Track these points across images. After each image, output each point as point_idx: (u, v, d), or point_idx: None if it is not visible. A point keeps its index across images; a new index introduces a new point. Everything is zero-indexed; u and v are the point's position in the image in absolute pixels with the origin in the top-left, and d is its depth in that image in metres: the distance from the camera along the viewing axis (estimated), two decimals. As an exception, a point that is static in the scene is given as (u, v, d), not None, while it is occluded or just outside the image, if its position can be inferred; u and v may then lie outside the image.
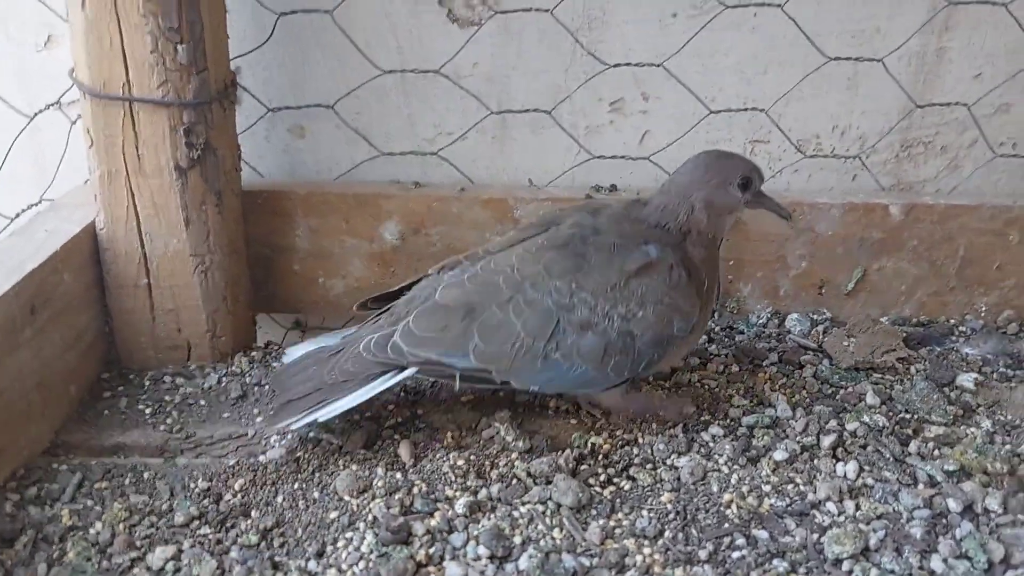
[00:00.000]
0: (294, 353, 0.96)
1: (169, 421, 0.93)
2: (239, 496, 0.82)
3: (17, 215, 1.03)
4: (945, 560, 0.77)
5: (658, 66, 1.10)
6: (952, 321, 1.17)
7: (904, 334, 1.12)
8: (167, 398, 0.96)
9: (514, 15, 1.07)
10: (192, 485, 0.83)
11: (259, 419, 0.93)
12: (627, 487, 0.85)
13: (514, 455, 0.88)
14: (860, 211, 1.13)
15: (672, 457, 0.89)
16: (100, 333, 0.99)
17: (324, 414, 0.86)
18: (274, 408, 0.89)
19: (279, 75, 1.09)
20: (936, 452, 0.91)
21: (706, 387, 1.02)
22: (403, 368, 0.87)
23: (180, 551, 0.75)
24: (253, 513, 0.80)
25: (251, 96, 1.08)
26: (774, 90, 1.13)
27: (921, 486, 0.86)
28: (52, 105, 1.04)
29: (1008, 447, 0.92)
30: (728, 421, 0.95)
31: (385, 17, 1.08)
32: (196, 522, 0.78)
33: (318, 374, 0.89)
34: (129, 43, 0.88)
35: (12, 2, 1.06)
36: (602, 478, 0.86)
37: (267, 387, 0.97)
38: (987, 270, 1.15)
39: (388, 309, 0.94)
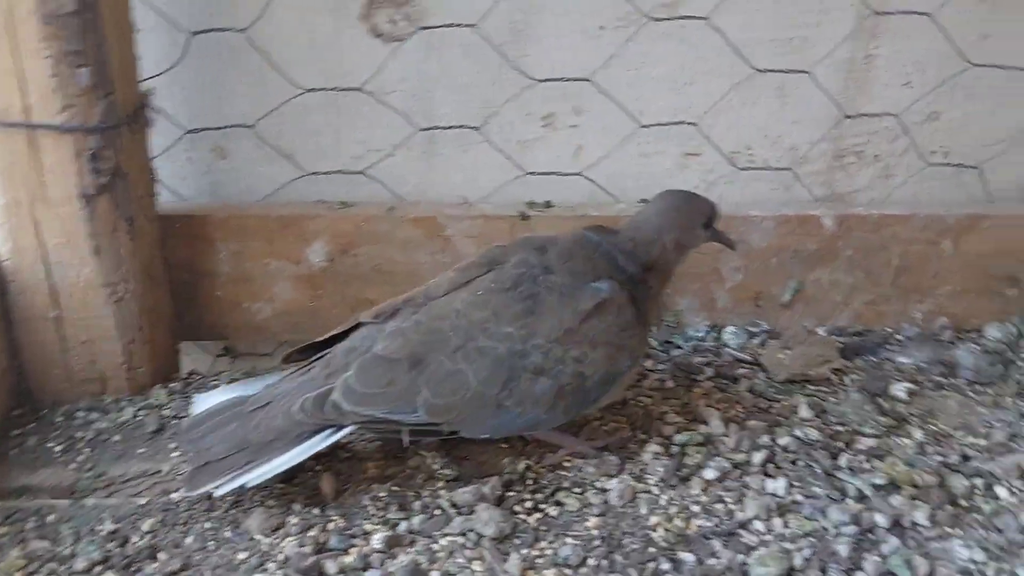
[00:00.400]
0: (203, 403, 0.88)
1: (80, 459, 0.89)
2: (147, 538, 0.78)
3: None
4: (870, 579, 0.76)
5: (586, 80, 1.08)
6: (889, 330, 1.17)
7: (840, 345, 1.11)
8: (79, 434, 0.93)
9: (438, 30, 1.06)
10: (99, 528, 0.80)
11: (174, 454, 0.90)
12: (554, 513, 0.83)
13: (440, 484, 0.86)
14: (793, 223, 1.12)
15: (602, 480, 0.87)
16: (9, 367, 0.95)
17: (253, 478, 0.79)
18: (191, 471, 0.82)
19: (197, 95, 1.06)
20: (866, 465, 0.90)
21: (641, 405, 1.00)
22: (342, 426, 0.82)
23: (79, 599, 0.72)
24: (161, 556, 0.77)
25: (167, 118, 1.05)
26: (705, 102, 1.12)
27: (849, 501, 0.85)
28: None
29: (939, 458, 0.92)
30: (661, 439, 0.93)
31: (305, 34, 1.05)
32: (99, 567, 0.75)
33: (240, 432, 0.82)
34: (28, 67, 0.84)
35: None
36: (528, 504, 0.84)
37: (176, 445, 0.90)
38: (922, 278, 1.15)
39: (321, 358, 0.87)
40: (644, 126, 1.12)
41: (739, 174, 1.16)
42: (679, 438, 0.93)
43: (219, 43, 1.03)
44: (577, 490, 0.86)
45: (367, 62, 1.06)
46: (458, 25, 1.04)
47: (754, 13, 1.08)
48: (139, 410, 0.97)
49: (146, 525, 0.80)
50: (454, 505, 0.82)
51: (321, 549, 0.77)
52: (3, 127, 0.86)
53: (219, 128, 1.08)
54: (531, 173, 1.14)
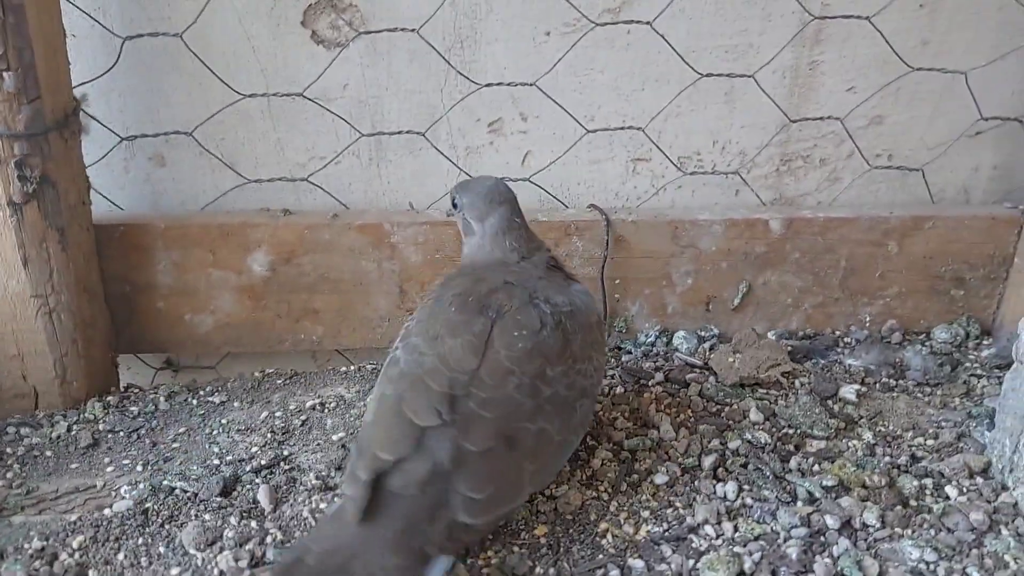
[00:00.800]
0: None
1: (9, 475, 0.86)
2: (76, 555, 0.75)
3: None
4: (820, 581, 0.75)
5: (531, 85, 1.07)
6: (837, 333, 1.17)
7: (789, 348, 1.11)
8: (9, 450, 0.89)
9: (381, 35, 1.04)
10: (26, 546, 0.76)
11: (110, 468, 0.87)
12: (501, 523, 0.81)
13: (384, 494, 0.84)
14: (742, 226, 1.12)
15: (551, 487, 0.86)
16: (-65, 384, 0.92)
17: None
18: None
19: (134, 102, 1.04)
20: (816, 467, 0.90)
21: (590, 411, 0.99)
22: None
23: (2, 621, 0.69)
24: (90, 573, 0.73)
25: (103, 125, 1.02)
26: (652, 107, 1.12)
27: (800, 503, 0.84)
28: None
29: (888, 458, 0.92)
30: (611, 445, 0.92)
31: (246, 39, 1.03)
32: (23, 587, 0.72)
33: None
34: (-52, 71, 0.81)
35: None
36: (475, 514, 0.82)
37: None
38: (869, 280, 1.16)
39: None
40: (590, 131, 1.11)
41: (688, 179, 1.16)
42: (629, 443, 0.92)
43: (155, 48, 1.01)
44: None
45: (310, 67, 1.05)
46: (401, 30, 1.03)
47: (699, 19, 1.08)
48: (73, 425, 0.93)
49: (76, 542, 0.76)
50: (398, 515, 0.80)
51: (257, 563, 0.74)
52: (-76, 132, 0.83)
53: (157, 135, 1.05)
54: (479, 179, 1.13)
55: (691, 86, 1.10)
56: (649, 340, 1.15)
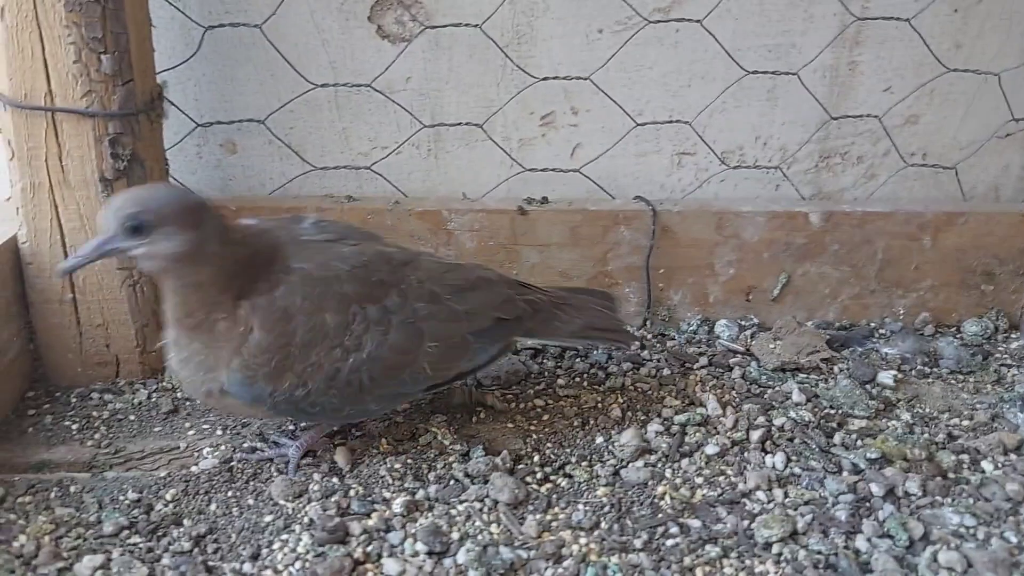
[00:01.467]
0: None
1: (97, 436, 0.91)
2: (171, 506, 0.80)
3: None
4: (869, 539, 0.80)
5: (585, 79, 1.13)
6: (873, 324, 1.22)
7: (827, 337, 1.15)
8: (95, 414, 0.94)
9: (444, 30, 1.10)
10: (121, 497, 0.81)
11: (191, 432, 0.92)
12: (564, 484, 0.86)
13: (451, 458, 0.88)
14: (783, 218, 1.17)
15: (607, 451, 0.90)
16: (23, 350, 0.97)
17: None
18: None
19: (209, 90, 1.09)
20: (859, 442, 0.94)
21: (639, 390, 1.04)
22: None
23: (109, 560, 0.74)
24: (185, 522, 0.79)
25: (180, 111, 1.07)
26: (698, 103, 1.17)
27: (845, 473, 0.89)
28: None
29: (926, 436, 0.96)
30: (661, 420, 0.97)
31: (316, 32, 1.09)
32: (126, 532, 0.77)
33: None
34: (52, 53, 0.87)
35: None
36: (539, 476, 0.87)
37: None
38: (904, 272, 1.20)
39: None
40: (639, 124, 1.16)
41: (730, 173, 1.21)
42: (679, 419, 0.96)
43: (232, 38, 1.07)
44: (585, 463, 0.89)
45: (376, 60, 1.10)
46: (464, 25, 1.08)
47: (744, 19, 1.13)
48: (153, 392, 0.99)
49: (168, 494, 0.82)
50: (468, 475, 0.85)
51: (344, 513, 0.79)
52: (27, 111, 0.88)
53: (230, 123, 1.10)
54: (530, 170, 1.18)
55: (736, 83, 1.15)
56: (691, 328, 1.19)
